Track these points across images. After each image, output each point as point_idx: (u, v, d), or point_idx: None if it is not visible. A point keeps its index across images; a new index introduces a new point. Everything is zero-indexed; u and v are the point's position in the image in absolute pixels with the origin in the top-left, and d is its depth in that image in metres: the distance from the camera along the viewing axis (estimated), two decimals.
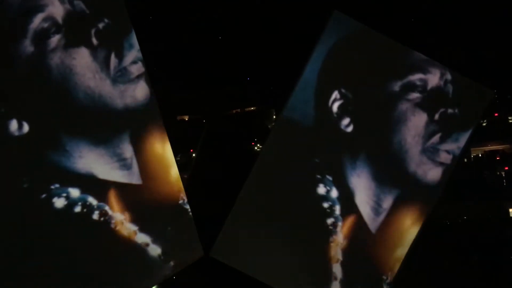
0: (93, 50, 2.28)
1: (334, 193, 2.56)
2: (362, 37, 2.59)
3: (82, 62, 2.26)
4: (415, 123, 2.59)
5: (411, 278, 2.71)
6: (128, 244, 2.34)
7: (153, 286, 2.44)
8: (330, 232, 2.55)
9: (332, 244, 2.56)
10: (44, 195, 2.22)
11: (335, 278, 2.55)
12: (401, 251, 2.61)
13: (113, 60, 2.31)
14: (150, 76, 2.39)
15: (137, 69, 2.35)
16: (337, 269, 2.55)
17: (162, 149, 2.41)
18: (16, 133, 2.18)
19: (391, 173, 2.60)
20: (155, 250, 2.38)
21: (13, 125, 2.17)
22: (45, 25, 2.20)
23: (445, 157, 2.61)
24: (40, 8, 2.20)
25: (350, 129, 2.58)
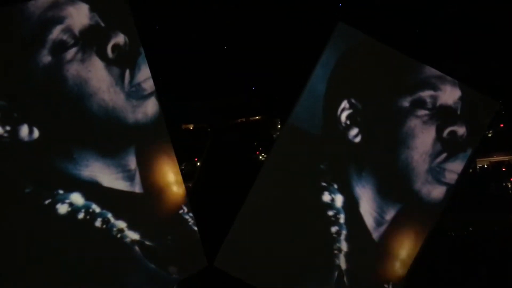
0: (108, 64, 2.31)
1: (339, 201, 2.55)
2: (371, 49, 2.60)
3: (97, 75, 2.29)
4: (423, 141, 2.58)
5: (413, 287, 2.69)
6: (130, 252, 2.35)
7: None
8: (334, 240, 2.54)
9: (336, 252, 2.55)
10: (48, 201, 2.23)
11: (339, 286, 2.54)
12: (404, 262, 2.59)
13: (127, 75, 2.35)
14: (156, 84, 2.42)
15: (150, 85, 2.39)
16: (341, 278, 2.54)
17: (167, 161, 2.44)
18: (26, 139, 2.21)
19: (396, 188, 2.60)
20: (157, 259, 2.38)
21: (24, 130, 2.20)
22: (64, 37, 2.24)
23: (451, 178, 2.60)
24: (60, 20, 2.23)
25: (358, 139, 2.57)
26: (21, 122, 2.19)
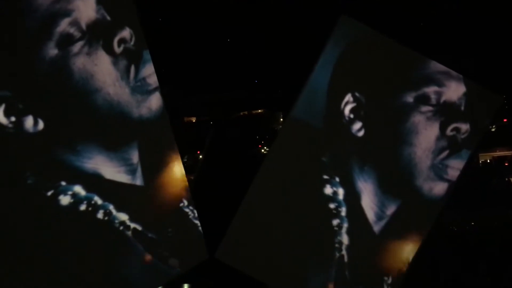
0: (114, 58, 2.32)
1: (341, 194, 2.55)
2: (375, 42, 2.58)
3: (104, 69, 2.30)
4: (427, 137, 2.57)
5: (412, 281, 2.70)
6: (132, 244, 2.36)
7: (157, 287, 2.45)
8: (335, 233, 2.55)
9: (337, 245, 2.55)
10: (50, 192, 2.24)
11: (339, 278, 2.55)
12: (404, 256, 2.60)
13: (133, 69, 2.35)
14: (158, 77, 2.42)
15: (155, 80, 2.39)
16: (341, 270, 2.55)
17: (169, 156, 2.44)
18: (31, 130, 2.21)
19: (398, 183, 2.60)
20: (158, 251, 2.39)
21: (29, 121, 2.21)
22: (71, 30, 2.24)
23: (453, 174, 2.60)
24: (67, 13, 2.24)
25: (361, 133, 2.57)
26: (26, 114, 2.21)
